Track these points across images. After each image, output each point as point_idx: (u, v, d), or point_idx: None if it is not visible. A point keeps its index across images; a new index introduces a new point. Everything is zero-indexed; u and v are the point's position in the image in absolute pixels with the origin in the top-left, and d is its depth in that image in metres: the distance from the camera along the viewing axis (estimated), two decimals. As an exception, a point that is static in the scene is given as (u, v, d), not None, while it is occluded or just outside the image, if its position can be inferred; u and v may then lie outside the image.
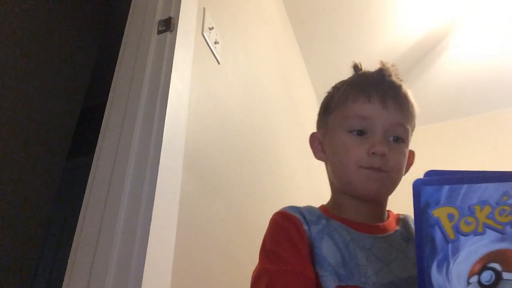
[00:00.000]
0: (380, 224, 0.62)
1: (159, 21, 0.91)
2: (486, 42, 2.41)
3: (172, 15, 0.91)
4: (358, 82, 0.66)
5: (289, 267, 0.52)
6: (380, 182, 0.59)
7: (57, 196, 1.61)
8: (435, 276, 0.34)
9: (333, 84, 0.73)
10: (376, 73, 0.66)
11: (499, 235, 0.34)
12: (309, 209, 0.63)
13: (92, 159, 0.78)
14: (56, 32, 1.61)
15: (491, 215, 0.34)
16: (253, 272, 0.57)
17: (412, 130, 0.66)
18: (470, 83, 2.75)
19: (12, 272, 1.30)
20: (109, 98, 0.86)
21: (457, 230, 0.34)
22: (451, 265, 0.34)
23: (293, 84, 2.14)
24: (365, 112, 0.61)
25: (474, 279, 0.34)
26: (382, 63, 0.66)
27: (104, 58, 1.78)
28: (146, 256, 0.61)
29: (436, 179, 0.37)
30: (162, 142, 0.73)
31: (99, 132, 0.81)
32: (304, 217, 0.59)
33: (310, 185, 1.91)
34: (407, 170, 0.67)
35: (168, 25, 0.89)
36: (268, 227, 0.61)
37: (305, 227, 0.58)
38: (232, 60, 1.23)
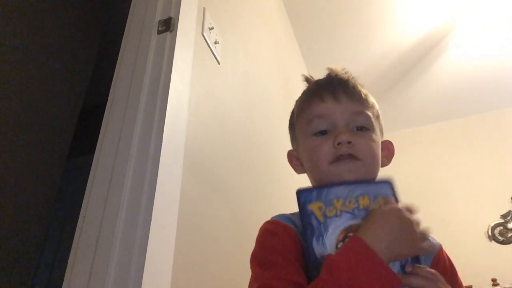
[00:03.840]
0: None
1: (159, 21, 0.91)
2: (486, 42, 2.41)
3: (172, 15, 0.91)
4: (310, 89, 0.70)
5: (283, 275, 0.52)
6: (356, 171, 0.59)
7: (57, 196, 1.61)
8: (316, 247, 0.52)
9: None
10: (325, 77, 0.70)
11: (350, 215, 0.53)
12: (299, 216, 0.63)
13: (92, 159, 0.78)
14: (56, 32, 1.61)
15: (343, 204, 0.53)
16: (249, 282, 0.57)
17: (377, 118, 0.67)
18: (470, 83, 2.75)
19: (12, 272, 1.30)
20: (109, 98, 0.86)
21: (325, 216, 0.53)
22: (324, 238, 0.52)
23: (293, 84, 2.14)
24: (321, 111, 0.64)
25: (340, 244, 0.51)
26: (329, 69, 0.71)
27: (104, 58, 1.78)
28: (146, 256, 0.61)
29: (308, 187, 0.59)
30: (162, 142, 0.73)
31: (99, 132, 0.82)
32: (297, 226, 0.59)
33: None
34: (389, 160, 0.68)
35: (168, 25, 0.89)
36: (259, 235, 0.61)
37: (300, 237, 0.58)
38: (232, 60, 1.23)
